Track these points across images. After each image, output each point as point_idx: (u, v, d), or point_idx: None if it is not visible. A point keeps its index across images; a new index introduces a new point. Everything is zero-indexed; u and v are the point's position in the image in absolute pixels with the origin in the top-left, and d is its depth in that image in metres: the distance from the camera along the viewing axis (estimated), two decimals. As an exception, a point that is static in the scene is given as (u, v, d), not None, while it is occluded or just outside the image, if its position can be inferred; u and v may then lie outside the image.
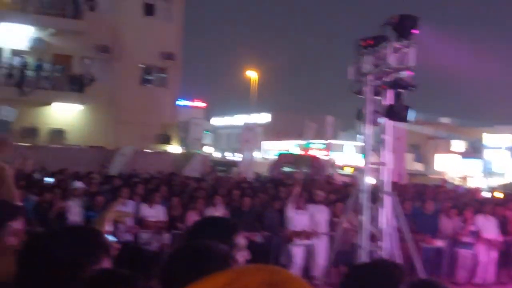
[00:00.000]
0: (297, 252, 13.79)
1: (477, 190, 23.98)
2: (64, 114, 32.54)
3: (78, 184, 14.67)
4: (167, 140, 35.40)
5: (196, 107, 69.95)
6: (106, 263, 2.45)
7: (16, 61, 31.42)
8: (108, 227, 3.56)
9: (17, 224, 3.54)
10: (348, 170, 41.08)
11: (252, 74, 58.40)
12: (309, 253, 13.96)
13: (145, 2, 35.57)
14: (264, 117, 70.42)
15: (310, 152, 49.49)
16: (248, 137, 26.04)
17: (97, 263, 2.41)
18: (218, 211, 13.21)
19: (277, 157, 37.45)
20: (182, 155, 30.36)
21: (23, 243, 2.64)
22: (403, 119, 11.17)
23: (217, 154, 68.52)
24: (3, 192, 3.90)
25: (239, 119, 63.98)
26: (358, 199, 11.24)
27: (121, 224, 12.04)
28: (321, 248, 13.85)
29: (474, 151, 60.95)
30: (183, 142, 32.01)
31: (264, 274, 1.08)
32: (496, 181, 47.45)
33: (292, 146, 60.58)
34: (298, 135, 64.67)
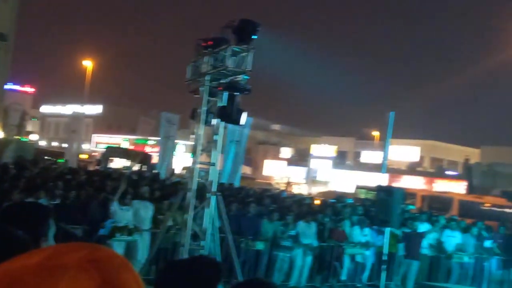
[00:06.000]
0: (118, 247, 13.51)
1: (300, 196, 24.90)
2: None
3: None
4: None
5: (25, 92, 66.86)
6: None
7: None
8: None
9: None
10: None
11: (87, 63, 56.70)
12: (130, 249, 13.74)
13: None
14: (96, 109, 68.67)
15: (142, 148, 49.03)
16: (75, 127, 25.24)
17: None
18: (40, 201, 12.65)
19: (105, 150, 36.64)
20: (1, 141, 28.84)
21: None
22: (236, 121, 11.35)
23: (43, 143, 65.87)
24: None
25: (69, 109, 61.87)
26: (185, 198, 11.24)
27: None
28: (143, 245, 13.69)
29: (301, 159, 63.48)
30: (4, 127, 30.42)
31: (85, 250, 1.04)
32: (318, 189, 49.66)
33: (123, 141, 59.71)
34: (131, 130, 63.91)
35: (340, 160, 61.62)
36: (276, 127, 76.71)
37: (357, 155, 65.38)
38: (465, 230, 18.58)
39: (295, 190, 42.35)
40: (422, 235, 17.13)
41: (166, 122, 25.85)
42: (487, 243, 18.20)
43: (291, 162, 63.94)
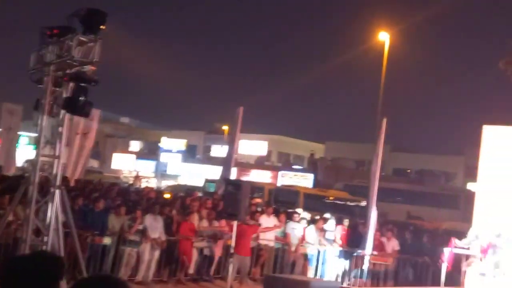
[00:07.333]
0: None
1: (148, 190, 24.67)
2: None
3: None
4: None
5: None
6: None
7: None
8: None
9: None
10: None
11: None
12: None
13: None
14: None
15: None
16: None
17: None
18: None
19: None
20: None
21: None
22: (82, 113, 11.05)
23: None
24: None
25: None
26: (28, 192, 10.78)
27: None
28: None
29: (150, 152, 62.95)
30: None
31: None
32: (168, 183, 49.49)
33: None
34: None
35: (190, 154, 61.76)
36: (125, 120, 75.55)
37: (207, 149, 65.82)
38: (309, 222, 19.28)
39: (144, 184, 41.93)
40: (253, 230, 16.78)
41: (7, 113, 24.78)
42: (330, 235, 18.97)
43: (140, 155, 63.24)
